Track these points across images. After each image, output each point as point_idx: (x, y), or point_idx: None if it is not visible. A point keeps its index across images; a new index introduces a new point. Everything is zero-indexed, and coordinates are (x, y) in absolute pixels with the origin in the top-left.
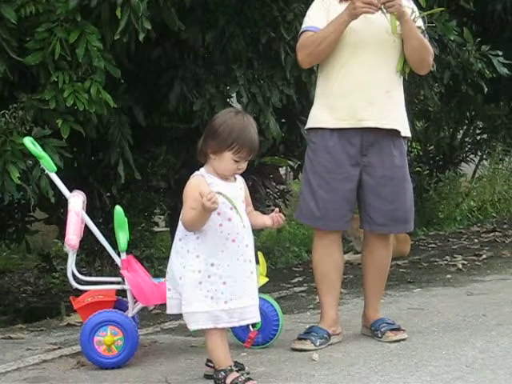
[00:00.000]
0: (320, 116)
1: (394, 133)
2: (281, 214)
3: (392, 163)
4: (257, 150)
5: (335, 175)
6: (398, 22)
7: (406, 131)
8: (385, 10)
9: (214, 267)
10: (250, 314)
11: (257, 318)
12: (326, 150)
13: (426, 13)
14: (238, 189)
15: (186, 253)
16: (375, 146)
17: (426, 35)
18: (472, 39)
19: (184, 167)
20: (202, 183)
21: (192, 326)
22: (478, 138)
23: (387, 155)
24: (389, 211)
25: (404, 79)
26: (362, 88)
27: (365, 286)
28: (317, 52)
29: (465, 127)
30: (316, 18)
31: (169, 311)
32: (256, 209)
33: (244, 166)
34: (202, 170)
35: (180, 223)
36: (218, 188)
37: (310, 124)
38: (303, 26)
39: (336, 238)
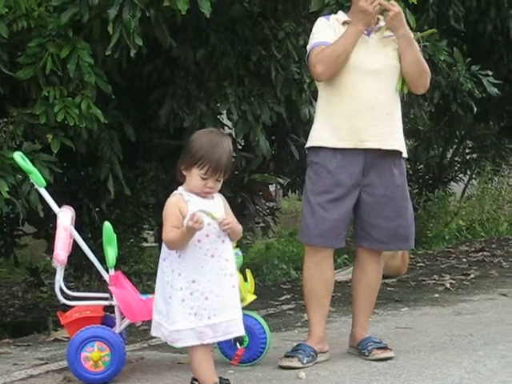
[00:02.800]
0: (322, 136)
1: (395, 153)
2: None
3: (393, 183)
4: (225, 169)
5: (335, 195)
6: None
7: (404, 152)
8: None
9: (196, 283)
10: (234, 327)
11: (241, 332)
12: (328, 170)
13: (420, 34)
14: (217, 205)
15: (171, 272)
16: (376, 167)
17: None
18: (462, 59)
19: (173, 183)
20: (181, 201)
21: (178, 344)
22: (468, 157)
23: (388, 175)
24: (390, 229)
25: (401, 100)
26: (365, 110)
27: (354, 303)
28: (338, 63)
29: (454, 146)
30: (324, 34)
31: (153, 333)
32: (245, 226)
33: (213, 184)
34: (180, 188)
35: (163, 244)
36: (195, 205)
37: (312, 143)
38: (312, 42)
39: (327, 256)
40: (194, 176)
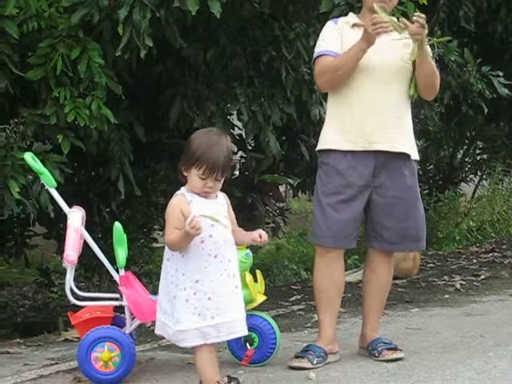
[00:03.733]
0: (332, 138)
1: (405, 155)
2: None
3: (403, 184)
4: (223, 169)
5: (346, 196)
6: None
7: (415, 154)
8: (405, 34)
9: (199, 283)
10: (237, 327)
11: (244, 332)
12: (339, 172)
13: (435, 40)
14: (220, 205)
15: (175, 272)
16: (387, 168)
17: (433, 61)
18: (473, 60)
19: (184, 184)
20: (183, 202)
21: (182, 344)
22: (478, 158)
23: (398, 176)
24: (401, 230)
25: (411, 100)
26: (374, 113)
27: (364, 304)
28: (335, 78)
29: (465, 147)
30: (331, 42)
31: (157, 331)
32: (255, 226)
33: (213, 184)
34: (183, 188)
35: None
36: (198, 206)
37: (322, 145)
38: (318, 50)
39: (337, 257)
40: (194, 176)
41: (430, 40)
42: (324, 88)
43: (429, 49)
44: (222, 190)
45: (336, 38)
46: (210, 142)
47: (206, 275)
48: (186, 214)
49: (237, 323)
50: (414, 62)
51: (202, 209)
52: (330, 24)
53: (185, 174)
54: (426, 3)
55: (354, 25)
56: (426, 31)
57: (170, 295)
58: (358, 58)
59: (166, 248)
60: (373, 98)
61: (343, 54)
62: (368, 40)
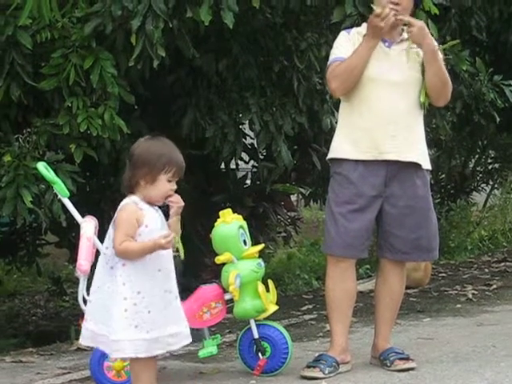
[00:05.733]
0: (343, 147)
1: (417, 164)
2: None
3: (415, 193)
4: (184, 167)
5: (357, 205)
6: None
7: (426, 163)
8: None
9: (140, 295)
10: (173, 339)
11: (181, 344)
12: (350, 181)
13: (445, 45)
14: (161, 215)
15: (116, 281)
16: (398, 177)
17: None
18: (484, 69)
19: (195, 193)
20: (138, 210)
21: (116, 355)
22: (490, 167)
23: (410, 186)
24: (413, 240)
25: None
26: (384, 122)
27: (376, 314)
28: (351, 79)
29: (476, 156)
30: (344, 50)
31: (82, 342)
32: (267, 235)
33: (175, 186)
34: (134, 197)
35: (110, 251)
36: (149, 215)
37: (333, 155)
38: (332, 57)
39: (349, 266)
40: (162, 182)
41: (440, 46)
42: (338, 91)
43: (440, 54)
44: (233, 198)
45: (348, 46)
46: (168, 148)
47: (149, 288)
48: (140, 222)
49: (173, 337)
50: (423, 70)
51: (151, 219)
52: (343, 33)
53: (144, 184)
54: (437, 13)
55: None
56: (418, 26)
57: (105, 303)
58: (369, 55)
59: (109, 254)
60: (383, 107)
61: (353, 55)
62: (376, 36)
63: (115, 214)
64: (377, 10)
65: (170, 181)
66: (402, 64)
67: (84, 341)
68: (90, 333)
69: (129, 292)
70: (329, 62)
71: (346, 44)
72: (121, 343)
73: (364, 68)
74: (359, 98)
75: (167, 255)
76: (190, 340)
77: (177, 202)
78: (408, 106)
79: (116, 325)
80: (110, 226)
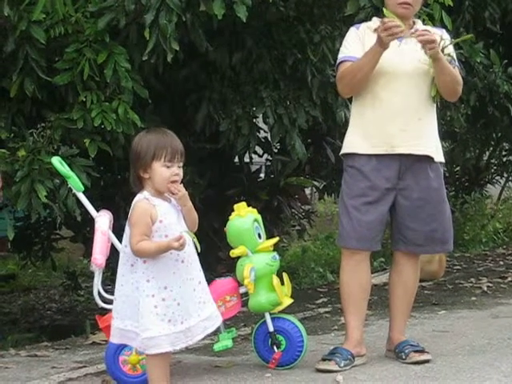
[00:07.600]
0: (355, 142)
1: (429, 158)
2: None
3: (428, 186)
4: (182, 152)
5: (370, 198)
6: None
7: (438, 156)
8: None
9: (168, 289)
10: (199, 329)
11: (215, 325)
12: (363, 174)
13: (457, 40)
14: (177, 208)
15: (139, 278)
16: (412, 170)
17: (456, 62)
18: (499, 61)
19: (209, 187)
20: (150, 207)
21: (151, 351)
22: (504, 159)
23: (424, 178)
24: (427, 232)
25: (437, 102)
26: (395, 116)
27: (391, 307)
28: (353, 83)
29: (491, 149)
30: (352, 48)
31: (112, 340)
32: (281, 229)
33: (178, 171)
34: (145, 192)
35: (128, 249)
36: (162, 209)
37: (346, 149)
38: (340, 56)
39: (364, 259)
40: (158, 170)
41: (452, 41)
42: (343, 93)
43: (451, 49)
44: (247, 192)
45: (357, 43)
46: (157, 134)
47: (173, 280)
48: (154, 218)
49: (208, 320)
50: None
51: (165, 213)
52: (351, 29)
53: (145, 175)
54: (451, 4)
55: (376, 29)
56: (439, 46)
57: (133, 302)
58: (375, 61)
59: (127, 253)
60: (394, 101)
61: (359, 59)
62: (382, 45)
63: (129, 212)
64: (386, 19)
65: (168, 166)
66: (411, 57)
67: (113, 338)
68: (118, 330)
69: (155, 288)
70: (338, 61)
71: (354, 42)
72: (156, 339)
73: (370, 72)
74: (371, 92)
75: (188, 245)
76: (221, 318)
77: (178, 190)
78: (419, 99)
79: (147, 322)
80: (127, 224)
